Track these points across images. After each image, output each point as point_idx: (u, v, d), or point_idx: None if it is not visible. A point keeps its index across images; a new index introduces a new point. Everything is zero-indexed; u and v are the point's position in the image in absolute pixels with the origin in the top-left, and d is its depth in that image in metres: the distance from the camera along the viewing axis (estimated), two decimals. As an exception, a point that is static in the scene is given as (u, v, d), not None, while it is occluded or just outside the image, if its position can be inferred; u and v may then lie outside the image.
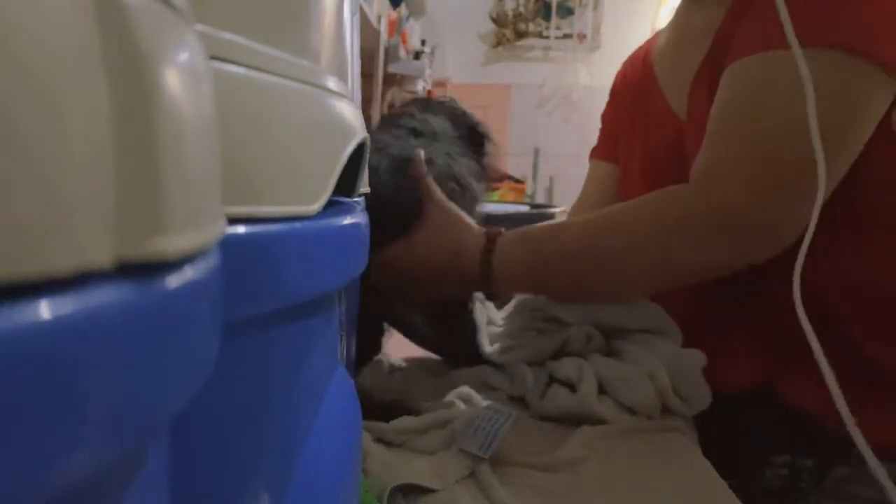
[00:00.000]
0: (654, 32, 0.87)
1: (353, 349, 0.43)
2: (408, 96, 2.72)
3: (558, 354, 0.64)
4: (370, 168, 0.59)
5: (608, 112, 0.89)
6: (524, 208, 1.43)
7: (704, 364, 0.59)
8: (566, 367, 0.61)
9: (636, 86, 0.80)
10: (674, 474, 0.50)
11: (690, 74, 0.67)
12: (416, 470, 0.46)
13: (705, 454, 0.54)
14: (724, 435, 0.60)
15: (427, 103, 0.72)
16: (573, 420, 0.57)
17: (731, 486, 0.48)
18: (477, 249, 0.60)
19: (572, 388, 0.60)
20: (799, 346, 0.61)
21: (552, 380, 0.62)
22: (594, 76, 3.40)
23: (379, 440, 0.53)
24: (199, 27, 0.19)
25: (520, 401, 0.63)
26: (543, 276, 0.61)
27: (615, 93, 0.88)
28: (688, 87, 0.68)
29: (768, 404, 0.63)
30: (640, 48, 0.84)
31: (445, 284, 0.61)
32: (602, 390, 0.59)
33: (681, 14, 0.76)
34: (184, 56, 0.14)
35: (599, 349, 0.63)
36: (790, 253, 0.51)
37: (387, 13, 2.16)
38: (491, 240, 0.60)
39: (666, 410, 0.59)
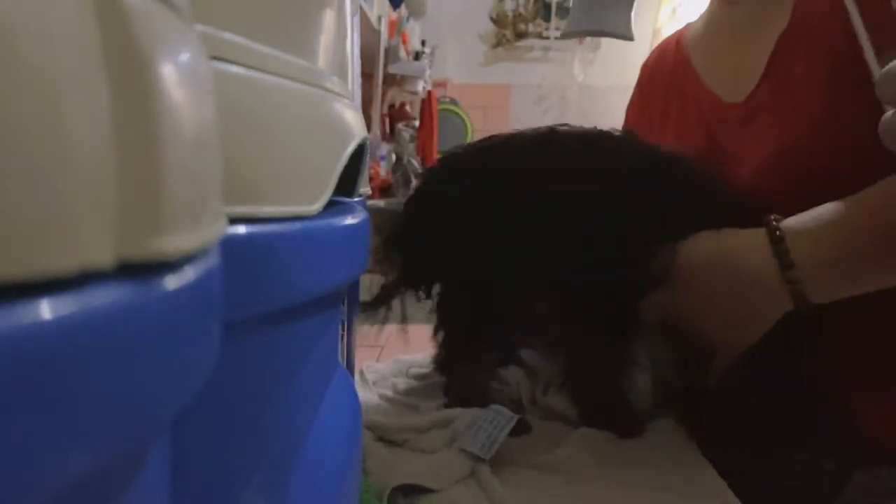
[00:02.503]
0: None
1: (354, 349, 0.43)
2: (408, 96, 2.73)
3: None
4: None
5: (635, 110, 0.86)
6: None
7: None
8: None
9: (669, 75, 0.79)
10: (673, 474, 0.50)
11: (757, 55, 0.66)
12: (416, 470, 0.46)
13: (719, 445, 0.53)
14: (749, 427, 0.58)
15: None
16: (574, 420, 0.58)
17: (747, 479, 0.48)
18: (759, 247, 0.47)
19: None
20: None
21: (553, 381, 0.63)
22: (594, 76, 3.41)
23: (380, 439, 0.53)
24: (200, 27, 0.19)
25: (518, 402, 0.63)
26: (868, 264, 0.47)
27: (643, 88, 0.85)
28: (754, 67, 0.66)
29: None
30: (668, 41, 0.83)
31: (734, 306, 0.49)
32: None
33: (717, 7, 0.76)
34: (184, 56, 0.14)
35: None
36: None
37: (387, 14, 2.16)
38: (773, 230, 0.47)
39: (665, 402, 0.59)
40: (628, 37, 0.77)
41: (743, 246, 0.49)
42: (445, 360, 0.62)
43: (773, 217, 0.49)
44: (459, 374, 0.61)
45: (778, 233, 0.47)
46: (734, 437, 0.55)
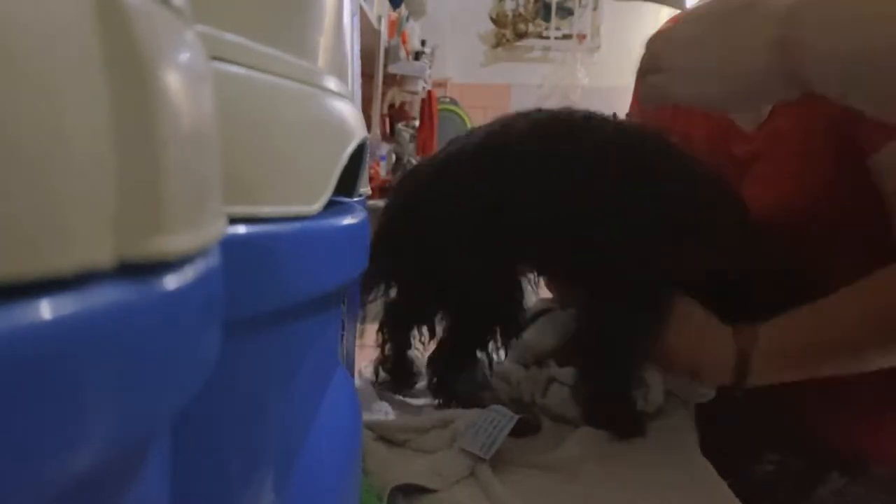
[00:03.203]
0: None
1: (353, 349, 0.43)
2: (408, 96, 2.72)
3: (563, 363, 0.64)
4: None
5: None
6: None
7: None
8: (568, 374, 0.61)
9: None
10: (673, 473, 0.50)
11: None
12: (416, 470, 0.46)
13: (705, 443, 0.55)
14: (722, 427, 0.60)
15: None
16: (573, 420, 0.58)
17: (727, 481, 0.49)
18: (725, 366, 0.56)
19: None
20: None
21: (553, 380, 0.62)
22: (594, 77, 3.41)
23: (380, 439, 0.53)
24: (200, 28, 0.19)
25: (519, 402, 0.63)
26: (810, 367, 0.56)
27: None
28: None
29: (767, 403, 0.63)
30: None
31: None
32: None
33: None
34: (184, 57, 0.14)
35: None
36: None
37: (387, 14, 2.16)
38: (743, 358, 0.56)
39: (669, 395, 0.59)
40: (680, 3, 0.75)
41: (714, 349, 0.57)
42: (438, 372, 0.62)
43: (748, 346, 0.56)
44: (452, 384, 0.61)
45: (744, 368, 0.55)
46: (710, 441, 0.57)
